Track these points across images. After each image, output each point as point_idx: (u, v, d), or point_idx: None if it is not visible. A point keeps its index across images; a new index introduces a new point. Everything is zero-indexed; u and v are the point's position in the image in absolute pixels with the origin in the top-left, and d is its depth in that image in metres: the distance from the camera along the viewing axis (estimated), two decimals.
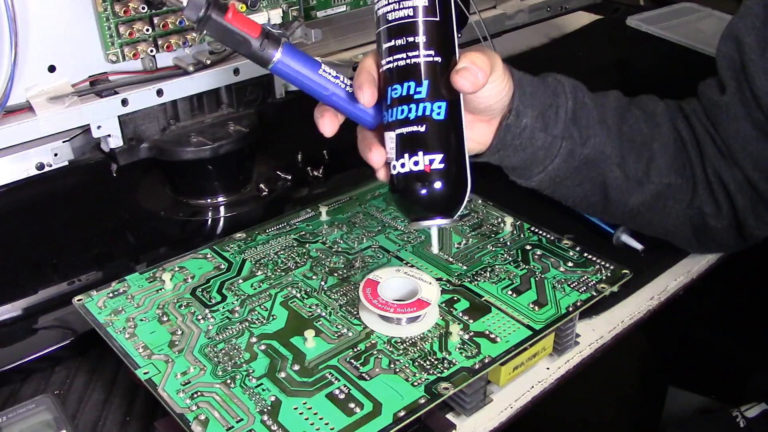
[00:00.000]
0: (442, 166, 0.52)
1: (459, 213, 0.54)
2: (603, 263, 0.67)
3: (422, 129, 0.52)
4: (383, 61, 0.54)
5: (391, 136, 0.53)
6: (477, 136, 0.62)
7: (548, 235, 0.71)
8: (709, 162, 0.68)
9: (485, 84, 0.54)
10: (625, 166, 0.66)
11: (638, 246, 0.75)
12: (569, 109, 0.63)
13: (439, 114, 0.52)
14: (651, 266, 0.74)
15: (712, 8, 1.13)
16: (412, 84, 0.52)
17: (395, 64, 0.52)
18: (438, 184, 0.52)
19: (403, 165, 0.52)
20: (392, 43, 0.52)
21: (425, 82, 0.52)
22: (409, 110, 0.52)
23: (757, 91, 0.64)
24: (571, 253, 0.69)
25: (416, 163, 0.52)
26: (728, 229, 0.69)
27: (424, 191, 0.52)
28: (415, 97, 0.52)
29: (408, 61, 0.52)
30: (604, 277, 0.66)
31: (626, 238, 0.76)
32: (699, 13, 1.13)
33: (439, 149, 0.52)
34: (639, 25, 1.06)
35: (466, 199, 0.54)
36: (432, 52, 0.52)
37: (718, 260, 0.77)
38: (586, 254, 0.69)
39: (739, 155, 0.66)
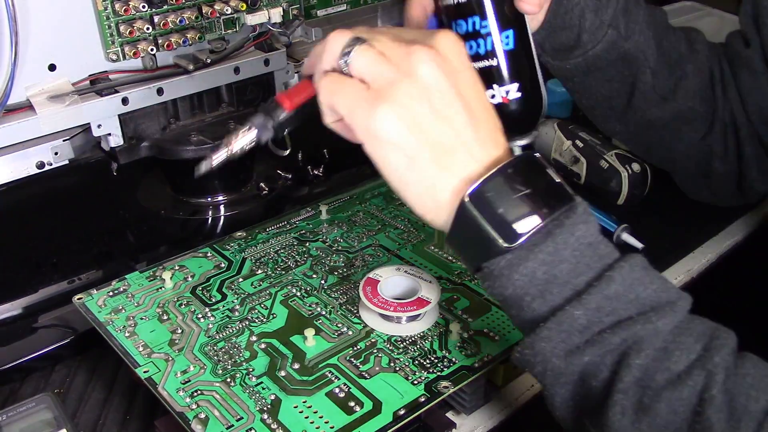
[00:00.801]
0: (519, 94, 0.51)
1: (535, 131, 0.53)
2: None
3: (494, 62, 0.51)
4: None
5: None
6: (534, 14, 0.60)
7: None
8: (728, 104, 0.69)
9: None
10: (657, 76, 0.66)
11: (638, 245, 0.75)
12: (622, 0, 0.63)
13: (508, 44, 0.51)
14: (651, 265, 0.74)
15: (712, 7, 1.13)
16: (477, 19, 0.50)
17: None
18: (516, 111, 0.52)
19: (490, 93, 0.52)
20: None
21: (489, 14, 0.50)
22: (478, 45, 0.51)
23: None
24: None
25: (493, 97, 0.51)
26: (728, 175, 0.70)
27: (503, 120, 0.49)
28: (482, 31, 0.51)
29: None
30: None
31: (626, 237, 0.75)
32: (699, 11, 1.13)
33: (514, 79, 0.51)
34: None
35: (544, 112, 0.53)
36: None
37: (719, 258, 0.77)
38: None
39: (750, 108, 0.67)
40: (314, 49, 0.48)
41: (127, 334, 0.59)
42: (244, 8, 0.76)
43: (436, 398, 0.54)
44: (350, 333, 0.60)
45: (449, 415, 0.58)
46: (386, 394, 0.54)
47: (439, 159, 0.44)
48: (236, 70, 0.79)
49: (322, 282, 0.65)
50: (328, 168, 0.89)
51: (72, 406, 0.60)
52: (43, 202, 0.82)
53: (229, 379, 0.55)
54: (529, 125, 0.53)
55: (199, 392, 0.54)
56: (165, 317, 0.61)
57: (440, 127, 0.44)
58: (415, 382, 0.55)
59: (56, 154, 0.71)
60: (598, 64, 0.65)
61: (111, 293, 0.64)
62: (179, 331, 0.60)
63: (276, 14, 0.79)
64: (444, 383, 0.55)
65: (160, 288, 0.65)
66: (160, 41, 0.73)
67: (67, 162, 0.73)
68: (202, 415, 0.52)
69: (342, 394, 0.54)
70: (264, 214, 0.81)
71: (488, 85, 0.51)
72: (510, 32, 0.51)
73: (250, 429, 0.51)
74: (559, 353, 0.45)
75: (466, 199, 0.44)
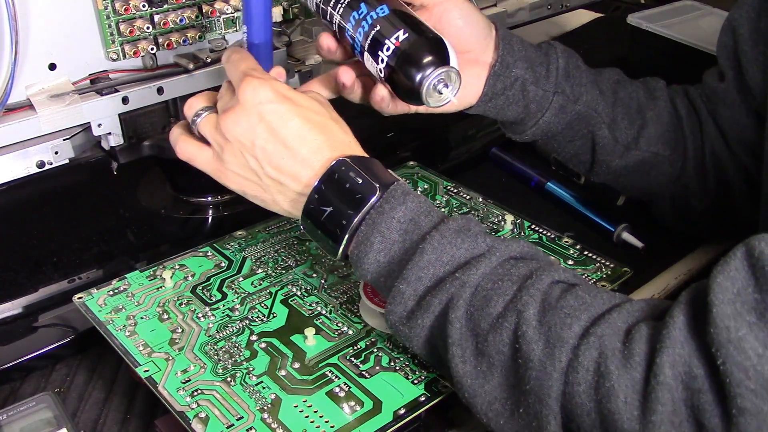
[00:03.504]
0: (406, 35, 0.56)
1: (453, 62, 0.57)
2: (603, 261, 0.67)
3: (377, 28, 0.57)
4: (334, 20, 0.61)
5: (366, 57, 0.59)
6: (470, 85, 0.64)
7: (548, 233, 0.71)
8: (709, 144, 0.69)
9: None
10: (616, 129, 0.68)
11: (639, 244, 0.75)
12: (561, 67, 0.65)
13: (383, 11, 0.58)
14: (651, 264, 0.74)
15: (713, 6, 1.13)
16: (354, 12, 0.58)
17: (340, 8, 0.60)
18: (413, 48, 0.56)
19: (383, 61, 0.57)
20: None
21: (361, 4, 0.58)
22: (363, 27, 0.58)
23: (749, 82, 0.65)
24: (571, 251, 0.69)
25: (388, 49, 0.57)
26: (708, 212, 0.70)
27: (407, 61, 0.56)
28: (360, 14, 0.58)
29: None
30: (604, 276, 0.66)
31: (627, 236, 0.75)
32: (699, 11, 1.13)
33: (398, 28, 0.57)
34: (640, 23, 1.06)
35: (448, 49, 0.57)
36: None
37: (718, 257, 0.76)
38: (586, 252, 0.69)
39: (733, 141, 0.67)
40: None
41: (127, 334, 0.59)
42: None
43: (437, 397, 0.54)
44: (350, 332, 0.60)
45: (449, 414, 0.58)
46: (386, 393, 0.54)
47: (274, 191, 0.56)
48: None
49: (323, 281, 0.65)
50: None
51: (72, 406, 0.60)
52: (43, 202, 0.82)
53: (229, 379, 0.55)
54: (439, 57, 0.56)
55: (199, 391, 0.54)
56: (165, 316, 0.61)
57: (265, 170, 0.55)
58: (416, 381, 0.55)
59: (56, 153, 0.71)
60: (553, 130, 0.67)
61: (111, 292, 0.64)
62: (179, 330, 0.60)
63: (276, 13, 0.79)
64: (444, 382, 0.55)
65: (161, 287, 0.65)
66: (160, 40, 0.73)
67: (67, 161, 0.73)
68: (203, 415, 0.52)
69: (342, 394, 0.54)
70: (264, 213, 0.81)
71: (381, 45, 0.57)
72: (384, 6, 0.58)
73: (251, 428, 0.51)
74: (402, 321, 0.52)
75: (300, 219, 0.55)
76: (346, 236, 0.53)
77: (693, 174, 0.69)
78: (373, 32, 0.57)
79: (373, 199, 0.52)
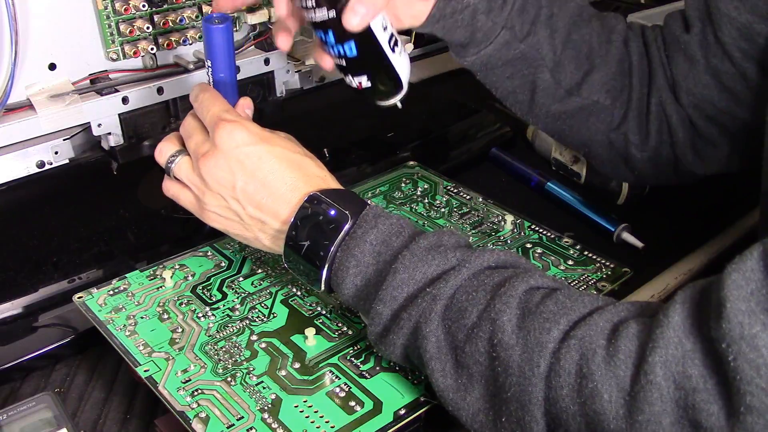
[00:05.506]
0: (369, 83, 0.61)
1: (400, 96, 0.64)
2: (603, 261, 0.67)
3: (343, 63, 0.60)
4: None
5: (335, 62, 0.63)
6: (417, 13, 0.64)
7: (548, 233, 0.71)
8: (656, 92, 0.68)
9: (381, 7, 0.57)
10: (560, 72, 0.67)
11: (639, 244, 0.75)
12: (519, 1, 0.64)
13: (351, 51, 0.59)
14: (651, 264, 0.74)
15: None
16: (322, 34, 0.59)
17: (308, 18, 0.59)
18: (372, 91, 0.62)
19: (349, 80, 0.62)
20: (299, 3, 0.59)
21: (329, 32, 0.58)
22: (331, 49, 0.60)
23: (723, 38, 0.63)
24: (571, 252, 0.69)
25: (350, 81, 0.62)
26: (649, 161, 0.70)
27: (367, 93, 0.62)
28: (329, 42, 0.59)
29: (312, 16, 0.58)
30: (604, 276, 0.66)
31: (626, 236, 0.76)
32: None
33: (361, 72, 0.61)
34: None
35: (403, 86, 0.63)
36: (324, 10, 0.57)
37: (719, 257, 0.77)
38: (586, 252, 0.69)
39: (682, 93, 0.67)
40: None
41: (127, 333, 0.59)
42: (244, 7, 0.76)
43: (437, 398, 0.54)
44: (351, 332, 0.60)
45: (449, 414, 0.58)
46: (387, 393, 0.54)
47: (256, 230, 0.58)
48: (236, 69, 0.79)
49: None
50: (328, 167, 0.88)
51: (72, 405, 0.60)
52: (43, 201, 0.82)
53: (229, 379, 0.55)
54: (392, 94, 0.63)
55: (199, 391, 0.54)
56: (165, 316, 0.61)
57: (246, 210, 0.57)
58: (416, 381, 0.55)
59: (56, 153, 0.72)
60: (493, 63, 0.67)
61: (111, 292, 0.64)
62: (180, 330, 0.60)
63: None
64: None
65: (161, 287, 0.65)
66: (160, 40, 0.73)
67: (67, 161, 0.73)
68: (203, 414, 0.52)
69: (342, 394, 0.54)
70: None
71: (345, 74, 0.61)
72: (351, 42, 0.58)
73: (251, 428, 0.51)
74: (380, 339, 0.52)
75: (281, 252, 0.57)
76: (326, 266, 0.54)
77: (635, 123, 0.69)
78: (337, 62, 0.61)
79: (347, 226, 0.54)
